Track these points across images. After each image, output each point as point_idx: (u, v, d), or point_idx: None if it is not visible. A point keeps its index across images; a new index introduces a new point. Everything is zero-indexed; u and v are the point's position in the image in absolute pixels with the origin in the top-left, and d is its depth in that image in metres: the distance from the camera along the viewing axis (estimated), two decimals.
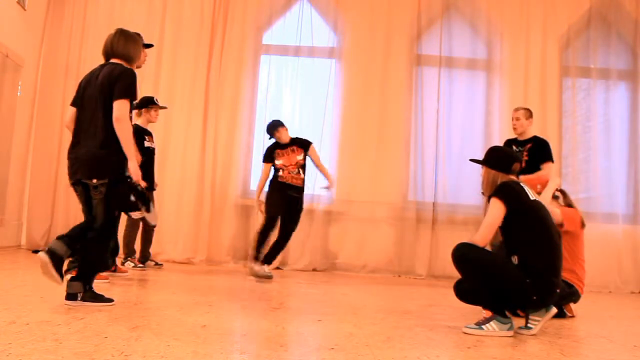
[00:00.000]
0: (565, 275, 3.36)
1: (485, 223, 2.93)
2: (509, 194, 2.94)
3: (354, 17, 6.52)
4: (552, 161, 4.70)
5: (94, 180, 2.95)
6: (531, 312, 2.93)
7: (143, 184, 3.08)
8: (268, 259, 5.13)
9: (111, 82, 2.99)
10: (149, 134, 5.18)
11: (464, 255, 2.92)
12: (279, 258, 5.94)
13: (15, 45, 5.91)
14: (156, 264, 5.33)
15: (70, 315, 2.64)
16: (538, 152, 4.64)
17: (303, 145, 5.21)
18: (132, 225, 5.05)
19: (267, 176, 5.19)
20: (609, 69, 6.40)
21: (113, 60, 3.13)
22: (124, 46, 3.13)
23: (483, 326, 2.84)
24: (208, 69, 6.41)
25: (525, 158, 4.60)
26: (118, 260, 5.28)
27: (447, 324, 3.10)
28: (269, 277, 5.03)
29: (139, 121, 5.12)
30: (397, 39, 6.46)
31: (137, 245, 5.19)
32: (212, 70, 6.41)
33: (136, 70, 3.18)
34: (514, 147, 4.78)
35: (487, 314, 2.94)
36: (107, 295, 3.03)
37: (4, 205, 5.90)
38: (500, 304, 2.89)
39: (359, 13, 6.51)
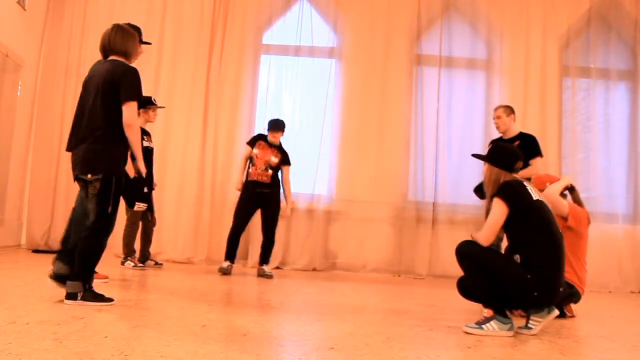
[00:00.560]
0: (566, 275, 3.36)
1: (488, 223, 2.93)
2: (511, 194, 2.93)
3: (354, 17, 6.52)
4: (541, 155, 4.61)
5: (89, 176, 2.97)
6: (533, 313, 2.93)
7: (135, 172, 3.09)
8: (264, 259, 5.22)
9: (114, 81, 2.98)
10: (148, 134, 5.19)
11: (466, 252, 2.93)
12: (278, 257, 5.96)
13: (15, 45, 5.91)
14: (156, 263, 5.33)
15: (70, 315, 2.64)
16: (526, 148, 4.36)
17: (284, 156, 5.28)
18: (131, 225, 5.06)
19: (247, 160, 5.28)
20: (609, 69, 6.40)
21: (112, 57, 3.12)
22: (121, 42, 3.12)
23: (483, 326, 2.84)
24: (208, 69, 6.42)
25: None
26: (118, 260, 5.31)
27: (447, 324, 3.10)
28: (269, 277, 5.05)
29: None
30: (397, 39, 6.46)
31: (137, 245, 5.19)
32: (212, 70, 6.41)
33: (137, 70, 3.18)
34: None
35: (487, 313, 2.94)
36: (107, 295, 3.03)
37: (4, 205, 5.90)
38: (502, 303, 2.89)
39: (359, 13, 6.52)
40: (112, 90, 2.97)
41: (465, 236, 3.20)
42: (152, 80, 6.32)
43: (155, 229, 5.31)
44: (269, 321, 2.89)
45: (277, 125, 5.23)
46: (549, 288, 2.86)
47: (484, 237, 2.92)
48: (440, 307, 3.86)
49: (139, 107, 5.02)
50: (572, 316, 3.69)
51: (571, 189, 3.87)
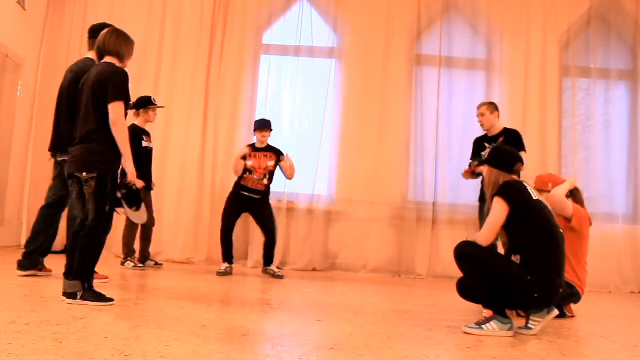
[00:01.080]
0: (566, 275, 3.36)
1: (488, 223, 2.93)
2: (512, 193, 2.94)
3: (354, 17, 6.52)
4: (525, 150, 4.59)
5: (84, 174, 3.04)
6: (533, 313, 2.93)
7: (140, 183, 3.10)
8: (268, 260, 5.22)
9: (103, 81, 3.07)
10: (147, 134, 5.18)
11: (465, 252, 2.93)
12: (278, 257, 5.95)
13: (15, 45, 5.91)
14: (156, 263, 5.33)
15: (70, 315, 2.64)
16: (512, 144, 4.30)
17: (277, 154, 5.28)
18: (131, 225, 5.06)
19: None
20: (609, 69, 6.40)
21: (106, 59, 3.22)
22: (114, 43, 3.22)
23: (483, 326, 2.84)
24: (208, 69, 6.42)
25: None
26: (118, 261, 5.31)
27: (447, 324, 3.10)
28: (280, 277, 5.07)
29: (137, 121, 5.13)
30: (397, 39, 6.46)
31: (137, 246, 5.19)
32: (212, 70, 6.41)
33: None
34: (485, 145, 4.69)
35: (487, 313, 2.94)
36: (107, 295, 3.03)
37: (4, 205, 5.90)
38: (501, 303, 2.89)
39: (359, 13, 6.52)
40: (101, 91, 3.07)
41: (465, 236, 3.20)
42: (152, 80, 6.32)
43: (155, 229, 5.31)
44: (269, 321, 2.89)
45: (265, 125, 5.22)
46: (549, 289, 2.86)
47: (484, 237, 2.92)
48: (440, 307, 3.86)
49: (137, 108, 5.09)
50: (572, 316, 3.68)
51: (574, 190, 3.88)
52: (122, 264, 5.11)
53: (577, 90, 6.41)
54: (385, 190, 6.26)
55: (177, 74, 6.38)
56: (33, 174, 6.32)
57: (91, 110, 3.07)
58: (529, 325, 2.93)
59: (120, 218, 3.89)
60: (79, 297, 2.93)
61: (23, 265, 3.92)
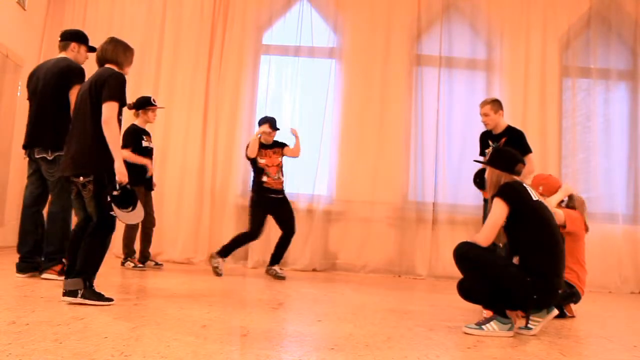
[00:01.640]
0: (566, 275, 3.36)
1: (488, 223, 2.93)
2: (511, 193, 2.94)
3: (354, 17, 6.52)
4: (531, 151, 4.52)
5: (81, 178, 3.06)
6: (532, 313, 2.93)
7: (125, 179, 3.07)
8: (276, 259, 5.16)
9: (99, 84, 3.10)
10: (147, 134, 5.19)
11: (465, 253, 2.93)
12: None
13: (15, 45, 5.90)
14: (156, 264, 5.33)
15: (70, 315, 2.63)
16: (516, 145, 4.15)
17: (282, 147, 5.26)
18: (131, 225, 5.05)
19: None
20: (609, 69, 6.40)
21: (106, 66, 3.26)
22: (113, 51, 3.27)
23: (483, 326, 2.84)
24: (208, 69, 6.42)
25: None
26: (118, 261, 5.31)
27: (447, 324, 3.10)
28: (282, 278, 5.05)
29: (137, 122, 5.14)
30: (397, 39, 6.46)
31: (137, 246, 5.19)
32: (212, 70, 6.41)
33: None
34: (490, 142, 4.61)
35: (487, 314, 2.94)
36: (106, 295, 3.03)
37: (4, 205, 5.90)
38: (501, 304, 2.89)
39: (359, 13, 6.52)
40: (97, 92, 3.10)
41: (465, 237, 3.20)
42: (152, 80, 6.32)
43: (155, 229, 5.31)
44: (269, 321, 2.89)
45: (274, 125, 5.16)
46: (549, 290, 2.86)
47: (484, 237, 2.92)
48: (440, 308, 3.86)
49: (137, 109, 5.09)
50: (572, 316, 3.68)
51: (569, 196, 3.87)
52: (122, 264, 5.11)
53: (577, 90, 6.41)
54: (385, 191, 6.26)
55: (177, 74, 6.38)
56: None
57: (88, 112, 3.09)
58: (528, 325, 2.93)
59: None
60: (79, 295, 2.93)
61: (21, 268, 3.93)
